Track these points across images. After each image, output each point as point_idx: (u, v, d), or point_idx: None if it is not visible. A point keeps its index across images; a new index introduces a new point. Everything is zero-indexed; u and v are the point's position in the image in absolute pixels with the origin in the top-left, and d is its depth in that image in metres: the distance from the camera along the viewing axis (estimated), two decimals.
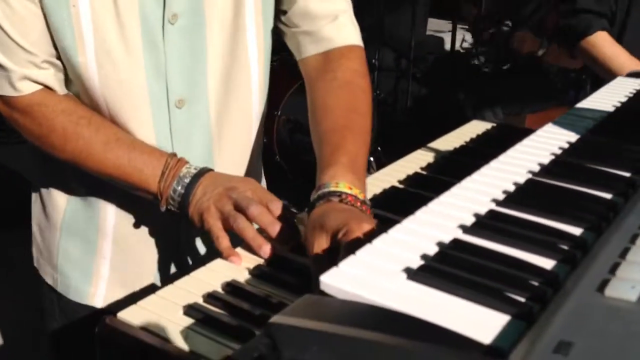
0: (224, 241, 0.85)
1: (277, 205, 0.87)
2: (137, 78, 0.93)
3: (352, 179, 0.83)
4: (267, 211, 0.86)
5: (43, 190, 1.10)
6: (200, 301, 0.73)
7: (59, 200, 1.07)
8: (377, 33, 3.82)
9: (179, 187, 0.91)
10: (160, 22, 0.92)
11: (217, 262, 0.83)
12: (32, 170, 1.12)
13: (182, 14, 0.92)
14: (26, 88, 0.93)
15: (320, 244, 0.74)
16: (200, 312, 0.71)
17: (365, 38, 3.80)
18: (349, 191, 0.81)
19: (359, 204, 0.80)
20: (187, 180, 0.91)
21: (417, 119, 3.81)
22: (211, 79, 0.99)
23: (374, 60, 3.78)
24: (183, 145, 1.00)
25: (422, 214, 0.71)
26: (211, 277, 0.79)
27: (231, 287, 0.76)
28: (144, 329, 0.68)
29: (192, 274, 0.79)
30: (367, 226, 0.71)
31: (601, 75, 1.84)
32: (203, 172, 0.92)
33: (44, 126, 0.95)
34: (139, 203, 0.98)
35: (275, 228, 0.84)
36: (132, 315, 0.70)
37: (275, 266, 0.82)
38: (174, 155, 0.94)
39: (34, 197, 1.13)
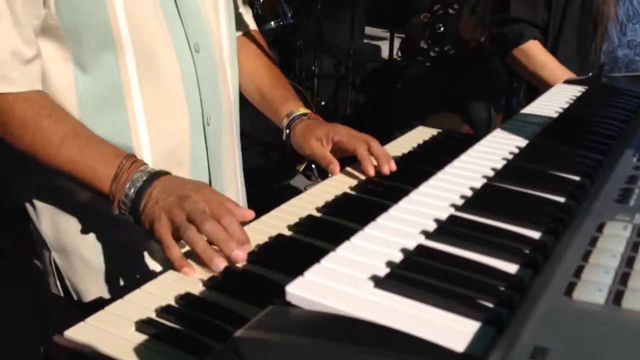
0: (175, 251, 0.81)
1: (229, 221, 0.83)
2: (163, 31, 1.00)
3: (302, 106, 1.25)
4: (221, 228, 0.82)
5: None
6: (153, 316, 0.70)
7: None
8: (316, 40, 3.82)
9: (131, 192, 0.88)
10: None
11: (169, 274, 0.79)
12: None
13: None
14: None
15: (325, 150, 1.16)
16: (153, 327, 0.67)
17: (303, 46, 3.83)
18: (307, 111, 1.23)
19: (313, 116, 1.23)
20: (139, 185, 0.88)
21: (357, 126, 3.82)
22: (205, 20, 1.08)
23: (313, 67, 3.78)
24: (205, 87, 1.08)
25: (382, 220, 0.70)
26: (163, 290, 0.75)
27: (185, 300, 0.73)
28: (94, 347, 0.64)
29: (143, 287, 0.75)
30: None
31: (533, 83, 1.89)
32: (155, 176, 0.89)
33: (4, 112, 0.90)
34: None
35: (229, 246, 0.80)
36: (80, 333, 0.66)
37: (230, 277, 0.79)
38: (130, 156, 0.91)
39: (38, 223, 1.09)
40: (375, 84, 4.11)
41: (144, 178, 0.88)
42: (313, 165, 3.54)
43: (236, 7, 1.26)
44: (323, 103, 3.92)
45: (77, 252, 1.07)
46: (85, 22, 0.93)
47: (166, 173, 0.91)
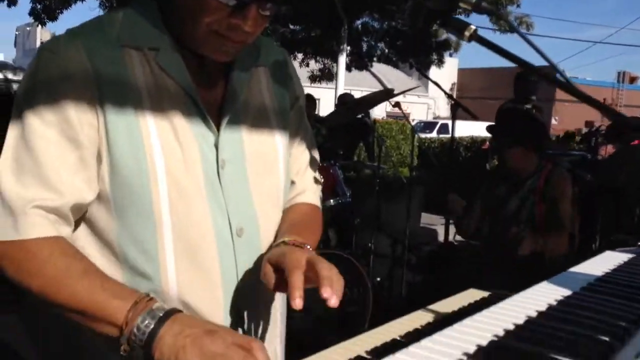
0: None
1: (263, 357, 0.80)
2: (205, 215, 0.97)
3: (295, 237, 1.02)
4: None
5: None
6: None
7: None
8: (373, 219, 3.87)
9: (149, 318, 0.83)
10: (215, 167, 0.99)
11: None
12: None
13: (229, 161, 1.00)
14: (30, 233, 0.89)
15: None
16: None
17: (360, 224, 3.82)
18: (289, 238, 1.01)
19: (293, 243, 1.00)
20: (160, 314, 0.83)
21: (412, 306, 3.70)
22: (258, 207, 1.04)
23: (369, 244, 3.80)
24: (244, 272, 1.01)
25: None
26: None
27: None
28: None
29: None
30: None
31: None
32: (176, 310, 0.86)
33: (23, 251, 0.88)
34: None
35: None
36: None
37: None
38: (147, 294, 0.88)
39: None
40: (431, 265, 4.05)
41: (165, 309, 0.84)
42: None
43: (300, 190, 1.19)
44: (378, 279, 3.88)
45: None
46: (131, 195, 0.93)
47: (181, 310, 0.88)
